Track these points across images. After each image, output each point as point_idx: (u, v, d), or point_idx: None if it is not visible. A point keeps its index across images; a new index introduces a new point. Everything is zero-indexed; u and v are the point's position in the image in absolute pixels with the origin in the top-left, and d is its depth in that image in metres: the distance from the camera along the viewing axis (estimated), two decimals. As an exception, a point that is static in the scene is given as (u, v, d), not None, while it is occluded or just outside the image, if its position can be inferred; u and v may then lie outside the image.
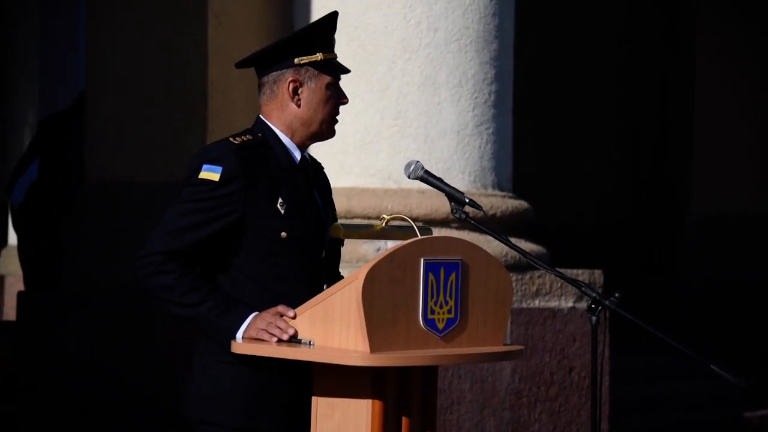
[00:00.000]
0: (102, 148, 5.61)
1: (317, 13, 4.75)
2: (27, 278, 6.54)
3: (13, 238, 8.92)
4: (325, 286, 2.61)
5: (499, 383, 4.68)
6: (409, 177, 2.73)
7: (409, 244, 2.47)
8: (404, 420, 2.49)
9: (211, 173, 2.53)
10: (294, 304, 2.51)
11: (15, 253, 7.86)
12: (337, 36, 4.47)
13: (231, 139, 2.59)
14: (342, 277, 2.73)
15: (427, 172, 2.71)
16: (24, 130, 9.28)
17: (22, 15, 9.28)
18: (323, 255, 2.64)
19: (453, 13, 4.72)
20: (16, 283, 8.59)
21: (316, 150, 4.80)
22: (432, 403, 2.56)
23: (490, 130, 4.83)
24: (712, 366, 2.51)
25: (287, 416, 2.57)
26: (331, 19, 2.67)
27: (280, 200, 2.57)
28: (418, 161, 2.72)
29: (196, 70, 5.21)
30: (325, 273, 2.64)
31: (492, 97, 4.82)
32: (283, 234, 2.56)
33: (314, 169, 2.72)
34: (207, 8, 5.15)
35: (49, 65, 9.22)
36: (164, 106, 5.35)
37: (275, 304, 2.52)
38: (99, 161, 5.61)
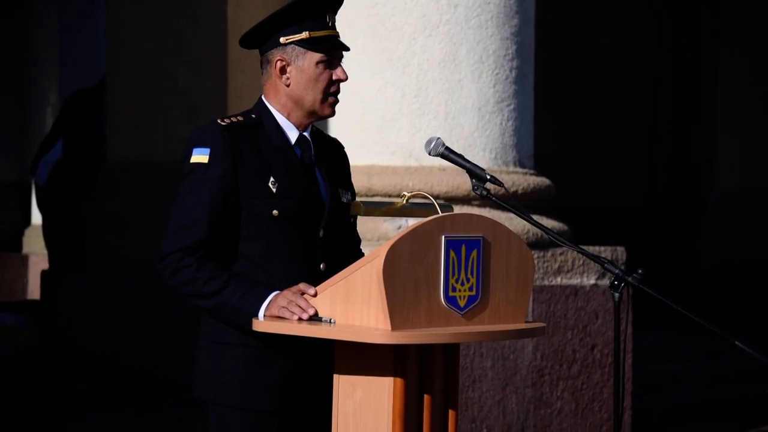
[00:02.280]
0: (123, 127, 5.62)
1: (337, -10, 4.72)
2: (51, 257, 6.58)
3: (36, 217, 8.97)
4: (322, 266, 2.60)
5: (521, 361, 4.67)
6: (429, 154, 2.71)
7: (430, 221, 2.46)
8: (426, 398, 2.48)
9: (201, 156, 2.54)
10: (288, 282, 2.50)
11: (39, 232, 7.92)
12: (356, 13, 4.41)
13: (219, 121, 2.59)
14: (362, 255, 2.72)
15: (448, 148, 2.69)
16: (46, 111, 9.31)
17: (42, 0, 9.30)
18: (321, 234, 2.62)
19: (473, -11, 4.68)
20: (39, 263, 8.65)
21: (335, 128, 4.80)
22: (454, 381, 2.55)
23: (512, 107, 4.80)
24: (736, 342, 2.50)
25: (287, 392, 2.57)
26: None
27: (271, 179, 2.56)
28: (438, 138, 2.70)
29: (215, 50, 5.21)
30: (323, 252, 2.62)
31: (513, 74, 4.79)
32: (275, 212, 2.55)
33: (326, 147, 2.69)
34: (226, -14, 5.14)
35: (70, 46, 9.24)
36: (184, 85, 5.36)
37: (272, 284, 2.51)
38: (120, 141, 5.63)
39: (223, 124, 2.57)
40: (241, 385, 2.56)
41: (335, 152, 2.73)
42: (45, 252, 6.91)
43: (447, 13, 4.66)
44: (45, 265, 6.77)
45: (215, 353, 2.58)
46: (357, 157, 4.71)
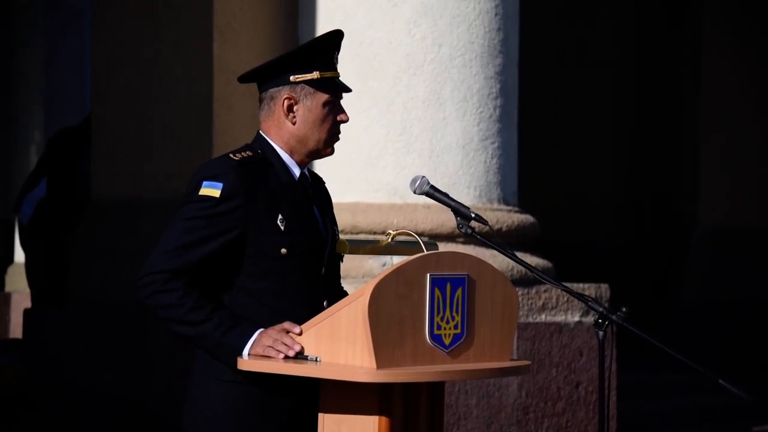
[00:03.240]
0: (108, 165, 5.62)
1: (322, 28, 4.76)
2: (34, 295, 6.54)
3: (19, 255, 8.93)
4: (325, 303, 2.60)
5: (506, 398, 4.67)
6: (415, 192, 2.72)
7: (415, 259, 2.47)
8: (411, 436, 2.48)
9: (211, 189, 2.53)
10: (293, 320, 2.51)
11: (21, 270, 7.87)
12: (341, 52, 4.47)
13: (231, 155, 2.58)
14: (345, 293, 2.72)
15: (433, 187, 2.71)
16: (30, 149, 9.30)
17: (29, 35, 9.32)
18: (323, 271, 2.63)
19: (458, 28, 4.73)
20: (22, 301, 8.59)
21: (320, 165, 4.81)
22: (439, 419, 2.55)
23: (496, 145, 4.83)
24: (720, 381, 2.50)
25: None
26: (333, 37, 2.65)
27: (280, 216, 2.56)
28: (423, 176, 2.72)
29: (201, 87, 5.22)
30: (324, 289, 2.63)
31: (497, 112, 4.83)
32: (284, 250, 2.55)
33: (314, 184, 2.72)
34: (212, 24, 5.17)
35: (55, 85, 9.26)
36: (170, 122, 5.37)
37: (275, 322, 2.51)
38: (105, 178, 5.62)
39: (236, 159, 2.57)
40: (244, 424, 2.54)
41: (322, 189, 2.76)
42: (28, 290, 6.87)
43: (431, 52, 4.70)
44: (28, 304, 6.73)
45: (215, 390, 2.55)
46: (342, 195, 4.73)
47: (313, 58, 2.61)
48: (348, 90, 2.66)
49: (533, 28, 7.14)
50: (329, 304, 2.60)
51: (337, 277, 2.71)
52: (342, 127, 2.67)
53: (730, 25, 8.14)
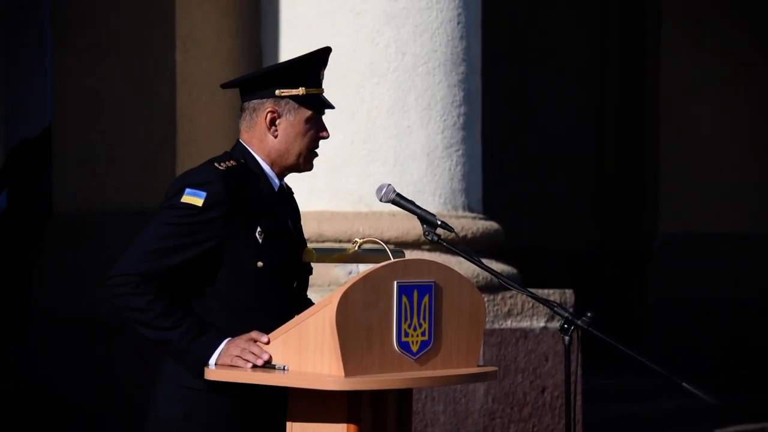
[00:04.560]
0: (69, 177, 5.57)
1: (285, 39, 4.76)
2: (-5, 309, 6.47)
3: (-20, 268, 8.81)
4: (296, 315, 2.60)
5: (473, 404, 4.68)
6: (381, 200, 2.73)
7: (382, 267, 2.48)
8: (380, 443, 2.48)
9: (194, 198, 2.51)
10: (264, 332, 2.50)
11: (-18, 284, 7.77)
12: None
13: (216, 164, 2.56)
14: (311, 302, 2.72)
15: (399, 195, 2.72)
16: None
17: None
18: (295, 284, 2.63)
19: (421, 37, 4.75)
20: (-17, 314, 8.48)
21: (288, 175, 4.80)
22: (407, 426, 2.56)
23: (460, 152, 4.86)
24: (684, 384, 2.53)
25: None
26: (321, 54, 2.66)
27: (258, 229, 2.55)
28: (389, 184, 2.73)
29: (164, 98, 5.20)
30: (295, 301, 2.63)
31: (461, 120, 4.85)
32: (260, 264, 2.55)
33: (288, 195, 2.72)
34: (175, 35, 5.15)
35: (15, 94, 9.16)
36: (133, 133, 5.34)
37: (245, 332, 2.51)
38: (67, 190, 5.58)
39: (221, 168, 2.55)
40: (210, 429, 2.52)
41: (292, 200, 2.75)
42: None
43: (395, 60, 4.72)
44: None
45: (180, 397, 2.54)
46: (307, 203, 4.72)
47: (300, 74, 2.61)
48: (331, 107, 2.67)
49: (496, 35, 7.19)
50: None
51: (305, 290, 2.72)
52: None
53: (688, 29, 8.24)
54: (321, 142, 2.68)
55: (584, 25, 8.69)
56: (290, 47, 4.69)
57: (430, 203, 4.71)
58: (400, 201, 2.71)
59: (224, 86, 2.69)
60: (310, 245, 2.72)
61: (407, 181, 4.72)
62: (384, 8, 4.70)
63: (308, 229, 4.81)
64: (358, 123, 4.71)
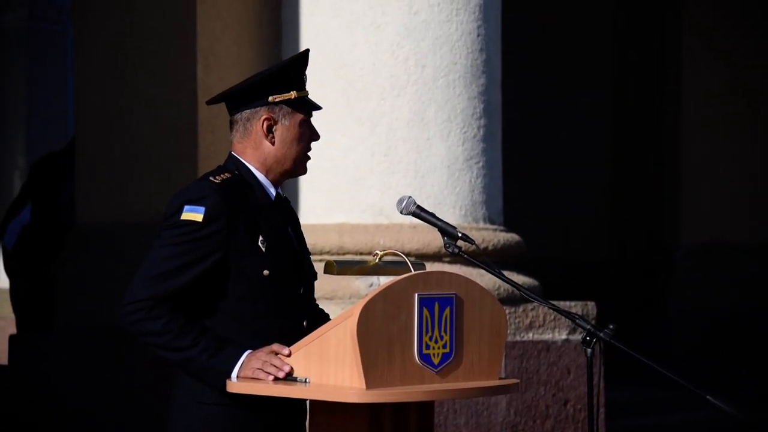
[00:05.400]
0: (92, 189, 5.61)
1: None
2: (19, 321, 6.50)
3: (3, 281, 8.88)
4: (305, 323, 2.60)
5: (495, 417, 4.67)
6: (402, 213, 2.74)
7: (403, 279, 2.48)
8: (401, 456, 2.48)
9: (193, 214, 2.52)
10: (274, 341, 2.50)
11: (6, 296, 7.82)
12: (325, 73, 4.49)
13: (211, 178, 2.57)
14: (322, 311, 2.74)
15: (419, 207, 2.72)
16: (14, 175, 9.28)
17: (10, 61, 9.31)
18: (301, 291, 2.63)
19: (441, 49, 4.75)
20: (7, 327, 8.53)
21: (306, 186, 4.82)
22: (429, 438, 2.55)
23: (480, 164, 4.85)
24: (708, 397, 2.51)
25: None
26: (304, 57, 2.68)
27: (260, 238, 2.56)
28: (410, 197, 2.73)
29: (185, 111, 5.23)
30: (303, 309, 2.63)
31: (481, 132, 4.85)
32: (266, 272, 2.55)
33: (286, 203, 2.72)
34: (196, 48, 5.18)
35: (38, 110, 9.25)
36: (154, 146, 5.36)
37: (256, 343, 2.51)
38: (89, 203, 5.61)
39: (216, 181, 2.56)
40: None
41: (290, 209, 2.76)
42: (12, 316, 6.83)
43: (415, 73, 4.73)
44: (13, 330, 6.69)
45: (199, 413, 2.54)
46: (328, 216, 4.73)
47: (288, 79, 2.62)
48: (319, 108, 2.68)
49: (512, 43, 7.19)
50: (308, 324, 2.61)
51: (313, 296, 2.72)
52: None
53: (709, 39, 8.21)
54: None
55: (601, 32, 8.67)
56: (311, 59, 4.70)
57: (450, 215, 4.71)
58: (420, 213, 2.71)
59: (210, 102, 2.70)
60: (330, 258, 2.72)
61: (427, 193, 4.72)
62: (404, 21, 4.71)
63: (329, 241, 4.83)
64: (379, 135, 4.71)
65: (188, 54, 5.21)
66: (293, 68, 2.64)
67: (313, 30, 4.78)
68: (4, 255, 6.68)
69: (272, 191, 2.64)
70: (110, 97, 5.51)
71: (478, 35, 4.84)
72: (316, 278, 2.72)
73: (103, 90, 5.55)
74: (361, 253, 4.63)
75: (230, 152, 2.66)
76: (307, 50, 2.70)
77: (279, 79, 2.62)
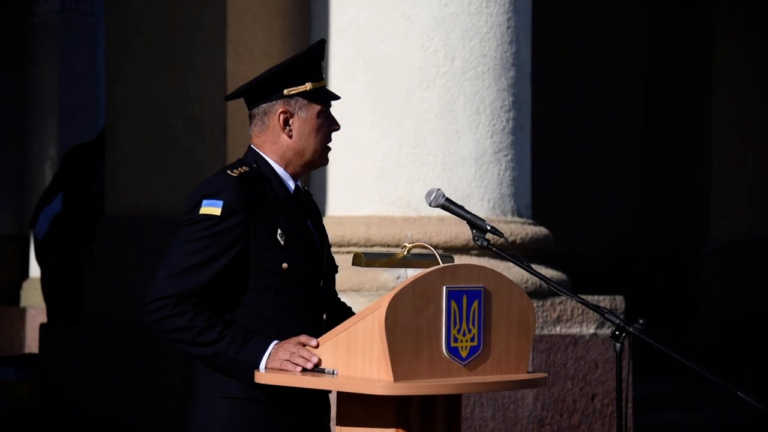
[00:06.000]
0: (122, 180, 5.64)
1: (335, 43, 4.78)
2: (49, 310, 6.56)
3: (34, 271, 8.96)
4: (325, 316, 2.61)
5: (522, 411, 4.66)
6: (430, 205, 2.73)
7: (431, 272, 2.47)
8: (428, 449, 2.48)
9: (212, 208, 2.52)
10: (295, 334, 2.51)
11: (37, 285, 7.89)
12: (354, 66, 4.48)
13: (229, 172, 2.58)
14: (343, 304, 2.74)
15: (448, 200, 2.71)
16: (45, 165, 9.35)
17: (41, 51, 9.38)
18: (321, 284, 2.63)
19: (470, 42, 4.74)
20: (37, 316, 8.62)
21: (334, 178, 4.82)
22: (456, 431, 2.55)
23: (509, 157, 4.84)
24: (739, 393, 2.49)
25: None
26: (319, 47, 2.67)
27: (279, 231, 2.56)
28: (439, 189, 2.73)
29: (214, 102, 5.24)
30: (323, 302, 2.64)
31: (510, 124, 4.83)
32: (285, 265, 2.55)
33: (306, 196, 2.72)
34: (225, 39, 5.19)
35: (70, 100, 9.30)
36: (183, 137, 5.39)
37: (278, 337, 2.51)
38: (119, 193, 5.64)
39: (234, 175, 2.57)
40: None
41: (311, 202, 2.76)
42: (43, 305, 6.89)
43: (444, 65, 4.71)
44: (43, 319, 6.75)
45: (222, 408, 2.55)
46: (356, 208, 4.74)
47: (303, 70, 2.62)
48: (337, 97, 2.68)
49: (543, 39, 7.15)
50: (329, 317, 2.61)
51: (333, 289, 2.72)
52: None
53: (742, 35, 8.14)
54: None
55: (632, 27, 8.62)
56: (340, 51, 4.70)
57: (478, 208, 4.70)
58: (449, 206, 2.70)
59: (228, 98, 2.70)
60: (358, 250, 2.72)
61: (456, 185, 4.71)
62: (433, 13, 4.70)
63: (356, 233, 4.83)
64: (407, 128, 4.71)
65: (218, 46, 5.22)
66: (307, 60, 2.63)
67: (343, 21, 4.78)
68: (35, 244, 6.74)
69: (291, 184, 2.65)
70: (140, 89, 5.54)
71: (508, 27, 4.82)
72: (336, 271, 2.72)
73: (133, 81, 5.58)
74: (388, 246, 4.63)
75: (249, 145, 2.67)
76: (322, 40, 2.69)
77: (293, 71, 2.61)
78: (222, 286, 2.56)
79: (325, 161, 2.67)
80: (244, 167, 2.60)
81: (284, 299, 2.56)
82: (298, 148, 2.62)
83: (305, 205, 2.67)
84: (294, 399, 2.53)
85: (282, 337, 2.52)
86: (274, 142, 2.63)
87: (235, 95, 2.67)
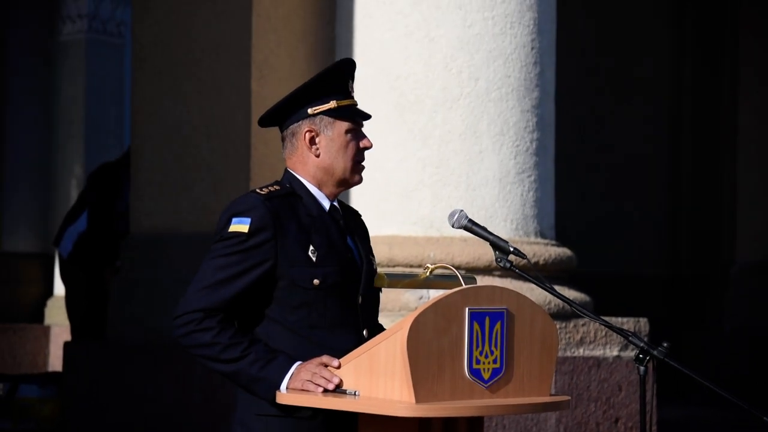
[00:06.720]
0: (147, 198, 5.67)
1: (359, 63, 4.76)
2: (74, 328, 6.59)
3: (59, 289, 9.01)
4: (365, 333, 2.61)
5: (545, 433, 4.62)
6: (453, 226, 2.73)
7: (453, 293, 2.47)
8: (450, 471, 2.47)
9: (240, 225, 2.54)
10: (332, 351, 2.51)
11: (61, 303, 7.93)
12: (378, 86, 4.47)
13: (258, 190, 2.60)
14: (381, 326, 2.72)
15: (471, 221, 2.71)
16: (71, 183, 9.42)
17: (68, 71, 9.47)
18: (360, 301, 2.63)
19: (494, 62, 4.74)
20: (62, 334, 8.66)
21: (356, 197, 4.83)
22: (478, 454, 2.53)
23: (532, 178, 4.83)
24: (765, 418, 2.47)
25: None
26: (343, 65, 2.67)
27: (311, 248, 2.57)
28: (462, 210, 2.72)
29: (239, 122, 5.27)
30: (363, 319, 2.64)
31: (533, 145, 4.83)
32: (316, 281, 2.56)
33: (349, 215, 2.73)
34: (250, 59, 5.22)
35: (95, 119, 9.38)
36: (208, 158, 5.41)
37: (313, 353, 2.52)
38: (144, 212, 5.67)
39: (263, 193, 2.59)
40: None
41: (358, 221, 2.76)
42: (67, 323, 6.92)
43: (468, 86, 4.72)
44: (67, 337, 6.78)
45: (258, 426, 2.55)
46: (378, 228, 4.74)
47: (327, 88, 2.62)
48: (367, 117, 2.67)
49: (569, 58, 7.15)
50: (369, 334, 2.60)
51: (377, 306, 2.71)
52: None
53: (766, 56, 8.10)
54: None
55: (659, 46, 8.60)
56: (364, 71, 4.72)
57: (501, 229, 4.69)
58: (472, 227, 2.70)
59: (261, 122, 2.70)
60: (381, 270, 2.72)
61: (479, 206, 4.70)
62: (458, 34, 4.71)
63: (379, 253, 4.82)
64: (431, 148, 4.71)
65: (243, 67, 5.25)
66: (331, 78, 2.63)
67: (367, 42, 4.80)
68: (60, 262, 6.78)
69: (326, 203, 2.65)
70: (165, 109, 5.58)
71: (532, 48, 4.82)
72: (380, 289, 2.71)
73: (158, 101, 5.62)
74: (411, 266, 4.62)
75: (285, 168, 2.69)
76: (348, 59, 2.69)
77: (317, 90, 2.62)
78: (253, 302, 2.57)
79: (359, 179, 2.67)
80: (275, 186, 2.62)
81: (319, 316, 2.56)
82: (327, 167, 2.63)
83: (344, 223, 2.67)
84: (326, 416, 2.52)
85: (317, 353, 2.52)
86: (305, 163, 2.64)
87: (265, 118, 2.68)
